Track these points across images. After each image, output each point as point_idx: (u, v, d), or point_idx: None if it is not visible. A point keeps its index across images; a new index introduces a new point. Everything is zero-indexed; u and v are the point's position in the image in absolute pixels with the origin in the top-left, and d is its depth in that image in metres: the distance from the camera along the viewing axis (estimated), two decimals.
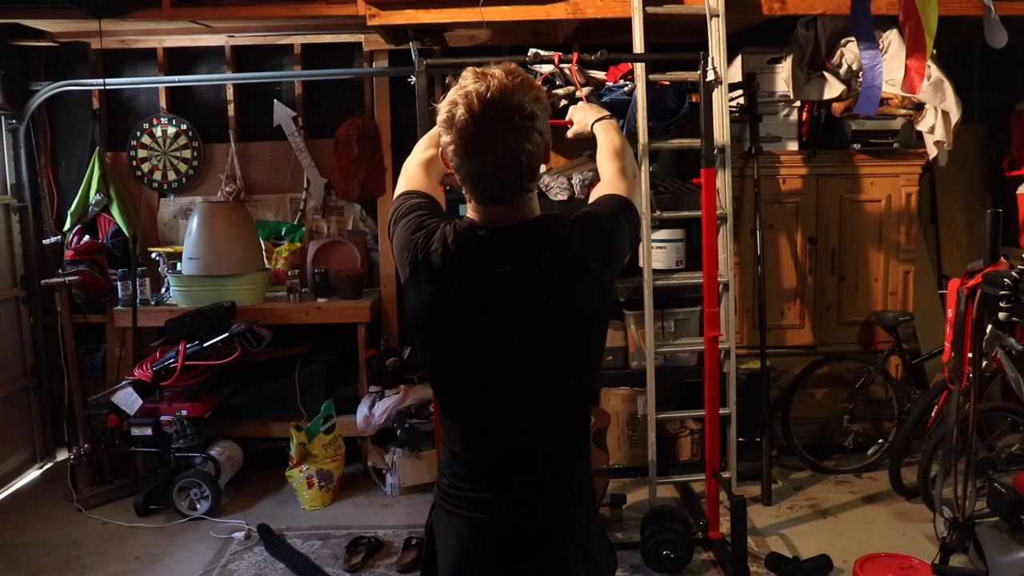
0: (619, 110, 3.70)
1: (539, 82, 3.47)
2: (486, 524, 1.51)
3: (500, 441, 1.52)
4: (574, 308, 1.45)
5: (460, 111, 1.38)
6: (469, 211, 1.49)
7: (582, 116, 1.95)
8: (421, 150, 1.74)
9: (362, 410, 3.96)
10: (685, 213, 3.65)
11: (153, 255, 4.39)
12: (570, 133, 2.00)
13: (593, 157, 1.84)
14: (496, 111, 1.37)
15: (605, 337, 1.57)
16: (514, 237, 1.45)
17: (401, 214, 1.57)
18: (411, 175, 1.68)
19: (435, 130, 1.59)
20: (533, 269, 1.43)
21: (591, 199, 1.61)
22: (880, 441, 4.07)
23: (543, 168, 4.21)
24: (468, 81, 1.40)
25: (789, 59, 4.00)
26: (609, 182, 1.66)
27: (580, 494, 1.55)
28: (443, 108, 1.42)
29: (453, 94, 1.41)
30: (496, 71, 1.40)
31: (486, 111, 1.37)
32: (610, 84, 3.63)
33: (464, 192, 1.47)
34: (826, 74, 4.01)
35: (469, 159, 1.41)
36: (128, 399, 3.75)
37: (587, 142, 1.95)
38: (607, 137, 1.80)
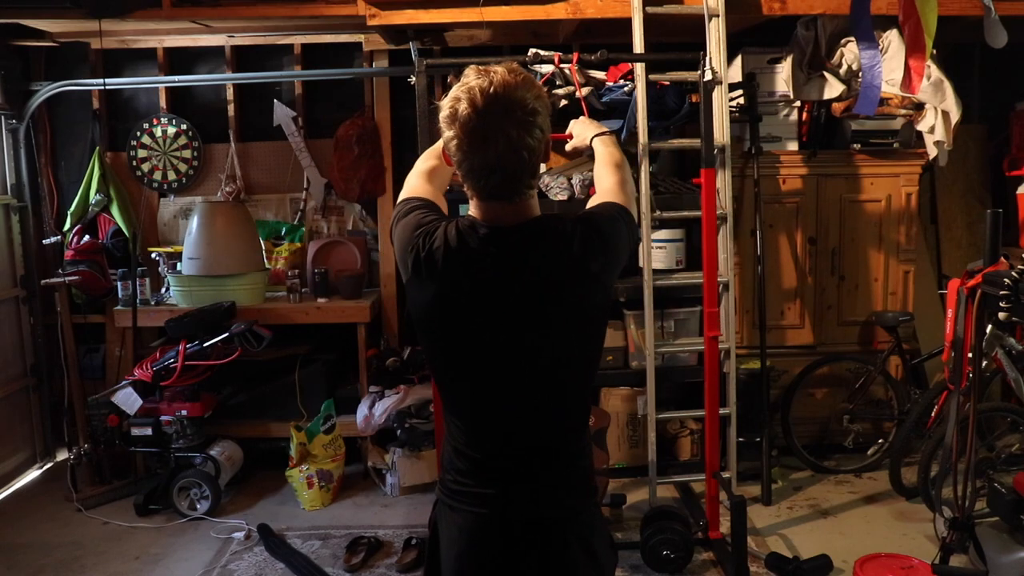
0: (619, 110, 3.70)
1: (540, 83, 3.50)
2: (488, 519, 1.52)
3: (502, 437, 1.54)
4: (574, 307, 1.47)
5: (463, 105, 1.41)
6: (471, 210, 1.50)
7: (582, 130, 1.98)
8: (422, 162, 1.77)
9: (362, 410, 3.96)
10: (685, 213, 3.66)
11: (153, 255, 4.39)
12: (569, 146, 2.02)
13: (594, 157, 1.85)
14: (499, 105, 1.39)
15: (604, 336, 1.61)
16: (515, 236, 1.46)
17: (401, 215, 1.59)
18: (412, 185, 1.70)
19: (437, 144, 1.61)
20: (534, 268, 1.45)
21: (589, 206, 1.62)
22: (880, 441, 4.07)
23: (543, 167, 4.18)
24: (471, 77, 1.43)
25: (789, 59, 4.00)
26: (608, 191, 1.67)
27: (581, 489, 1.57)
28: (446, 105, 1.45)
29: (456, 90, 1.44)
30: (498, 68, 1.43)
31: (488, 105, 1.39)
32: (610, 84, 3.63)
33: (466, 189, 1.49)
34: (826, 74, 4.01)
35: (472, 153, 1.42)
36: (128, 399, 3.76)
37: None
38: (607, 151, 1.82)
